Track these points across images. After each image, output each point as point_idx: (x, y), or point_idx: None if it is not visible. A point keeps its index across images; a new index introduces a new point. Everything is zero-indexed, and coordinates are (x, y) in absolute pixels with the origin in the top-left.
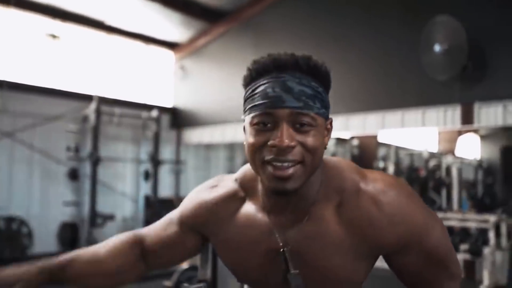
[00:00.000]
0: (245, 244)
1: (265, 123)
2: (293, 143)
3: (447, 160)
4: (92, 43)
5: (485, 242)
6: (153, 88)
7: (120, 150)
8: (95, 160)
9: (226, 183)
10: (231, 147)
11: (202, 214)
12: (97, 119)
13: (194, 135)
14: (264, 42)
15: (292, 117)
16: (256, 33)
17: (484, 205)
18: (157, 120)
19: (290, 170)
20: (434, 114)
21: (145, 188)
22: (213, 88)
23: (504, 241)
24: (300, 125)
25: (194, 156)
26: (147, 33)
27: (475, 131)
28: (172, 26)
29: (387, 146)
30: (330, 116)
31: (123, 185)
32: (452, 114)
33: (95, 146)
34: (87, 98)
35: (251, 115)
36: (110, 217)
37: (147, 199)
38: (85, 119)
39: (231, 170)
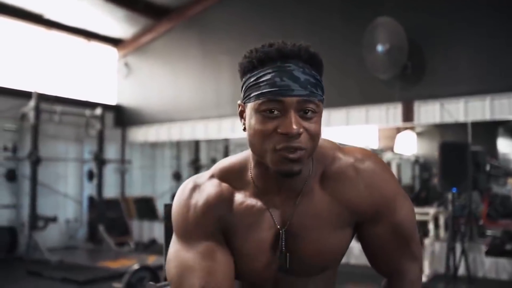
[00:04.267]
0: (250, 232)
1: (272, 110)
2: (301, 130)
3: (387, 156)
4: (30, 38)
5: (425, 233)
6: (96, 85)
7: (62, 149)
8: (35, 160)
9: (207, 183)
10: (177, 146)
11: (204, 216)
12: (37, 117)
13: (139, 134)
14: (209, 39)
15: (299, 105)
16: (201, 30)
17: (420, 199)
18: (101, 118)
19: (297, 154)
20: (377, 112)
21: (89, 189)
22: (158, 85)
23: (442, 232)
24: (304, 111)
25: (139, 155)
26: (89, 29)
27: (412, 128)
28: (115, 22)
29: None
30: None
31: (65, 186)
32: (394, 112)
33: (34, 146)
34: (26, 95)
35: (258, 101)
36: (53, 219)
37: (91, 199)
38: (23, 117)
39: (178, 169)
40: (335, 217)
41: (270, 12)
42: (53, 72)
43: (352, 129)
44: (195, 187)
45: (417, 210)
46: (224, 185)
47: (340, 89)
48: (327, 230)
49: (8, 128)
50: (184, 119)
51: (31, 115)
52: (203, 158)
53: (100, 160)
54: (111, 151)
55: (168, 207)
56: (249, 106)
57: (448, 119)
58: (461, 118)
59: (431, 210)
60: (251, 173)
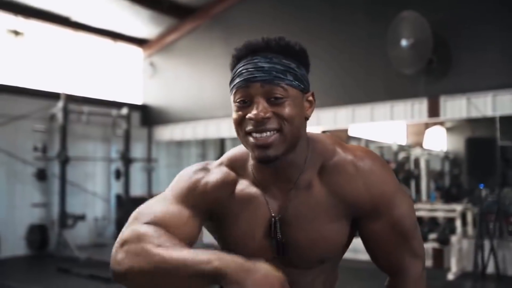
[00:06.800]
0: (244, 218)
1: (244, 100)
2: (267, 115)
3: (416, 152)
4: (58, 40)
5: (453, 231)
6: (122, 85)
7: (90, 149)
8: (64, 160)
9: (216, 169)
10: (203, 144)
11: (203, 194)
12: (65, 117)
13: (165, 132)
14: (233, 38)
15: (265, 91)
16: (225, 29)
17: (451, 195)
18: (127, 117)
19: (270, 139)
20: (402, 107)
21: (117, 187)
22: (183, 84)
23: (470, 229)
24: (274, 98)
25: (165, 153)
26: (114, 30)
27: (441, 123)
28: (140, 22)
29: (358, 139)
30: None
31: (93, 185)
32: (419, 108)
33: (63, 146)
34: (54, 96)
35: (232, 93)
36: (81, 218)
37: (119, 198)
38: (52, 118)
39: None
40: (331, 208)
41: (294, 10)
42: (80, 73)
43: (380, 125)
44: (204, 169)
45: (443, 207)
46: (231, 172)
47: (364, 85)
48: (322, 221)
49: (38, 129)
50: (209, 117)
51: (60, 115)
52: None
53: (127, 159)
54: (138, 150)
55: None
56: (231, 99)
57: (475, 113)
58: (488, 112)
59: (458, 207)
60: (250, 163)
